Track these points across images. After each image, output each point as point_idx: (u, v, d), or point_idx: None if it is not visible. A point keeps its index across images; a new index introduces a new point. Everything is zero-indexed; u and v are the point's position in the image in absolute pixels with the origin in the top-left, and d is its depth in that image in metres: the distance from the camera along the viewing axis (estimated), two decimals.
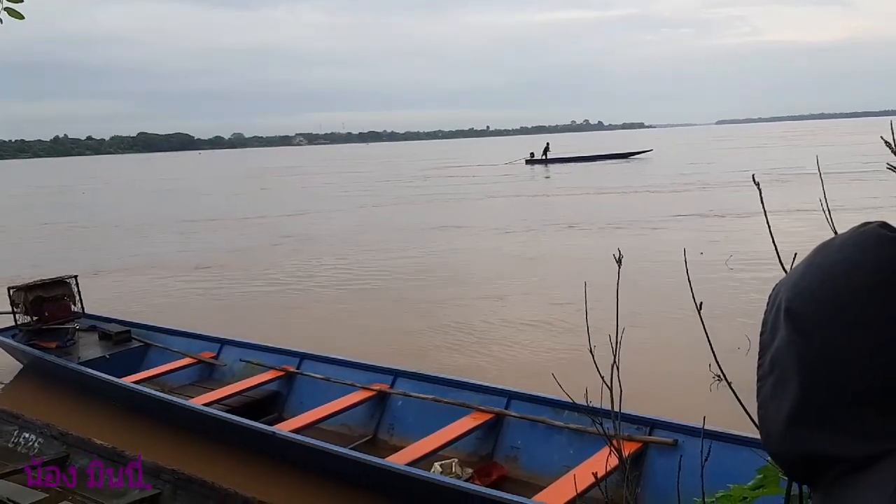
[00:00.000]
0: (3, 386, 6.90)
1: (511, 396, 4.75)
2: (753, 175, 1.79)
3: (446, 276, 11.10)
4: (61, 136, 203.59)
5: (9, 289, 7.05)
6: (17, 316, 7.00)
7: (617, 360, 1.87)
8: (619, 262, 2.02)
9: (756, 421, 0.65)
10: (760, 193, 1.63)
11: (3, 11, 1.55)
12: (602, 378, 1.85)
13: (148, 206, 28.29)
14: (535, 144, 54.29)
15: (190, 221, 21.03)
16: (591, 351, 1.93)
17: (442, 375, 5.25)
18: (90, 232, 19.84)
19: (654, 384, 5.70)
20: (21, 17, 1.53)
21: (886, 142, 1.56)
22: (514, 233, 15.48)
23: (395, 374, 5.36)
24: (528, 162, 44.28)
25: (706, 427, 3.87)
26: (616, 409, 1.90)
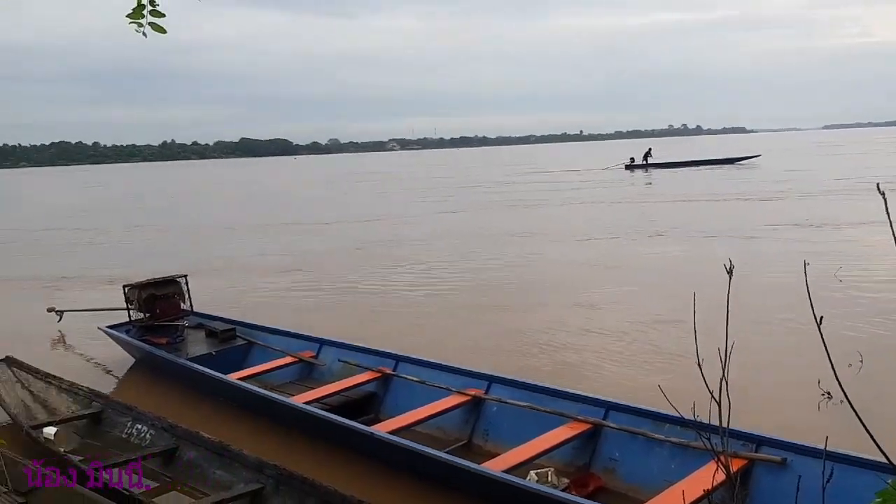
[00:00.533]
0: (117, 379, 7.29)
1: (609, 407, 4.66)
2: (878, 184, 1.71)
3: (534, 284, 11.02)
4: (169, 140, 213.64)
5: (124, 286, 7.44)
6: (131, 312, 7.37)
7: (726, 373, 1.83)
8: (729, 272, 1.97)
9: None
10: (886, 204, 1.55)
11: (147, 26, 1.65)
12: (710, 393, 1.81)
13: (236, 210, 29.13)
14: (632, 149, 53.24)
15: (275, 225, 21.64)
16: (699, 364, 1.89)
17: (538, 383, 5.20)
18: (178, 235, 20.65)
19: (756, 399, 5.50)
20: (164, 31, 1.63)
21: None
22: (607, 240, 15.25)
23: (490, 380, 5.35)
24: (627, 167, 43.33)
25: (816, 446, 3.73)
26: (724, 424, 1.85)
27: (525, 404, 4.95)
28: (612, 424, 4.55)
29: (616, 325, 8.28)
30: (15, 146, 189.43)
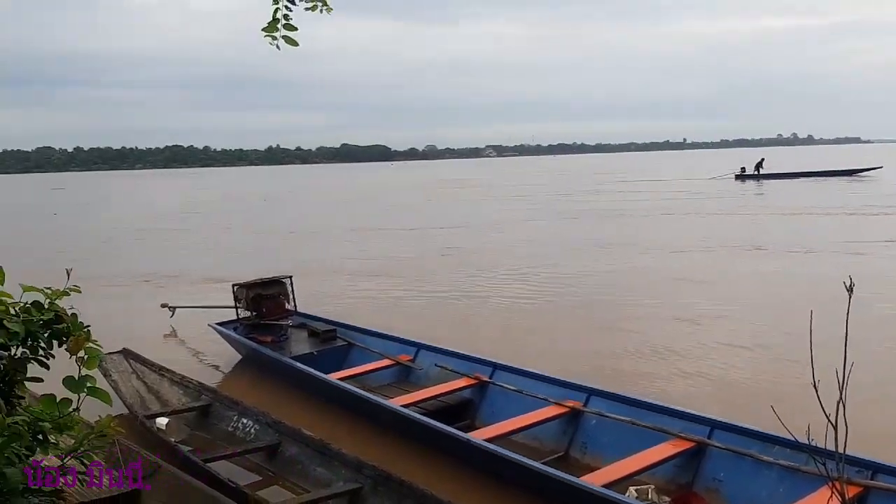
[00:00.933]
0: (224, 374, 7.58)
1: (714, 426, 4.51)
2: None
3: (628, 295, 10.79)
4: (274, 146, 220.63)
5: (233, 285, 7.73)
6: (238, 310, 7.64)
7: (843, 396, 1.74)
8: (850, 290, 1.88)
9: None
10: None
11: (281, 39, 1.72)
12: (827, 416, 1.73)
13: (328, 213, 29.71)
14: (740, 158, 51.33)
15: (360, 230, 21.93)
16: (814, 385, 1.81)
17: (638, 397, 5.10)
18: (272, 237, 21.08)
19: (870, 425, 5.19)
20: (296, 44, 1.69)
21: None
22: (704, 252, 14.77)
23: (589, 393, 5.27)
24: (738, 177, 41.67)
25: None
26: (840, 449, 1.77)
27: (625, 419, 4.85)
28: (717, 444, 4.40)
29: (716, 341, 8.01)
30: (132, 149, 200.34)
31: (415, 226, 22.49)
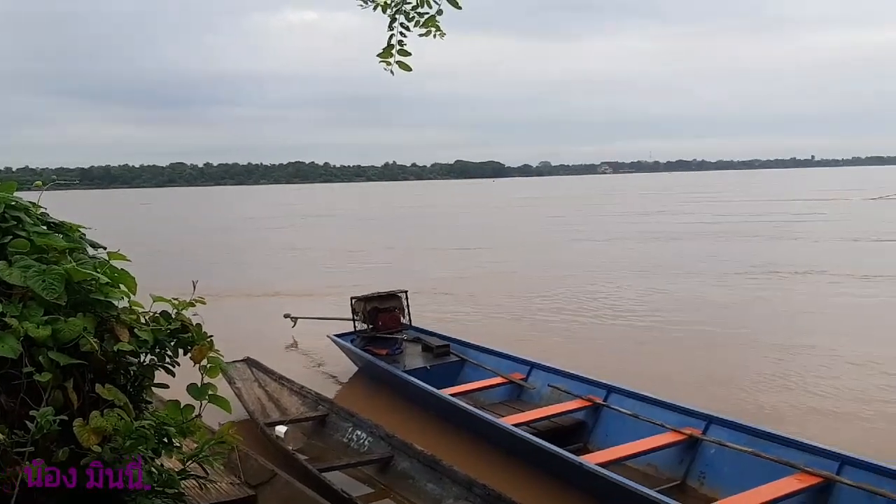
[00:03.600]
0: (340, 384, 7.77)
1: (845, 461, 4.25)
2: None
3: (750, 324, 10.30)
4: (390, 162, 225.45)
5: (351, 298, 7.92)
6: (356, 323, 7.83)
7: None
8: None
9: None
10: None
11: (395, 65, 1.77)
12: None
13: (413, 233, 29.58)
14: (872, 177, 47.95)
15: (397, 249, 21.63)
16: None
17: (762, 428, 4.86)
18: (366, 254, 20.96)
19: None
20: (409, 69, 1.74)
21: None
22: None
23: (709, 420, 5.08)
24: None
25: None
26: None
27: (747, 449, 4.64)
28: (847, 480, 4.14)
29: (863, 371, 7.56)
30: (257, 165, 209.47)
31: (448, 246, 21.98)
